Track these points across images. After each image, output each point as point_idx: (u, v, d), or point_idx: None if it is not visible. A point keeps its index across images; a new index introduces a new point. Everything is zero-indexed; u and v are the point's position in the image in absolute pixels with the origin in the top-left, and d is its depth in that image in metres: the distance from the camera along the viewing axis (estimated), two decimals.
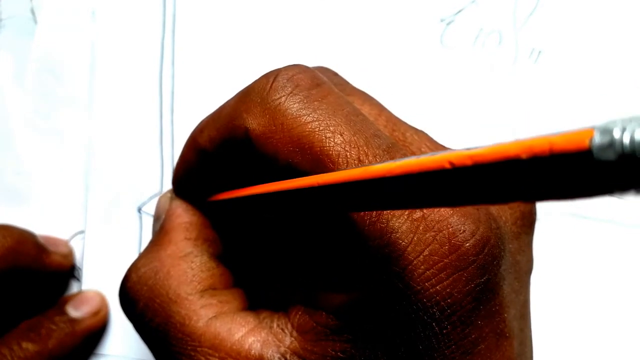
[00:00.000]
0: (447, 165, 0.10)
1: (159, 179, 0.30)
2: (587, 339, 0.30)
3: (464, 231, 0.16)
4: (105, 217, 0.30)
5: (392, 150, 0.17)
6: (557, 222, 0.30)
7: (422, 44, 0.31)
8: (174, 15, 0.31)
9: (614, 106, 0.31)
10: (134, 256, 0.30)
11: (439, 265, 0.16)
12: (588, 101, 0.31)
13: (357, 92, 0.21)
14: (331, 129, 0.17)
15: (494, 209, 0.18)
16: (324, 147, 0.17)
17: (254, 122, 0.18)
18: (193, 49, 0.31)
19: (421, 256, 0.16)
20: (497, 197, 0.10)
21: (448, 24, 0.31)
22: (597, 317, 0.31)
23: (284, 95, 0.18)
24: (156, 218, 0.23)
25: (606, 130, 0.08)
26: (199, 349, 0.18)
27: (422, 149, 0.19)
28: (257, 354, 0.18)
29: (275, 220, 0.22)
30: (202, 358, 0.18)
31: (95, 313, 0.29)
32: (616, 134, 0.08)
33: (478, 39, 0.31)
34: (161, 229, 0.22)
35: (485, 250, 0.16)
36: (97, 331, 0.29)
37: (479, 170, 0.09)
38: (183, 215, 0.22)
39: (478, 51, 0.31)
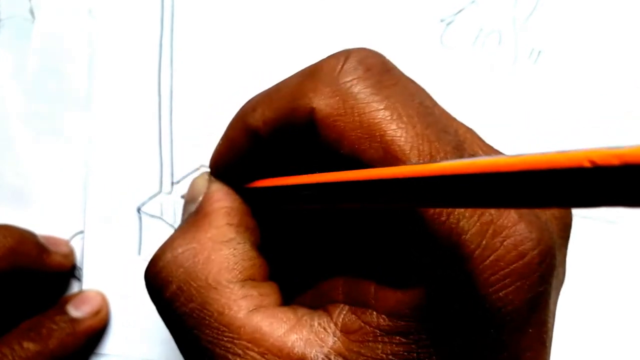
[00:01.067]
0: (587, 164, 0.09)
1: (158, 178, 0.30)
2: (587, 338, 0.30)
3: (531, 240, 0.16)
4: (104, 217, 0.30)
5: (460, 148, 0.17)
6: None
7: (422, 44, 0.31)
8: (172, 14, 0.31)
9: (614, 106, 0.31)
10: (134, 256, 0.30)
11: (505, 271, 0.15)
12: (588, 101, 0.31)
13: (416, 86, 0.20)
14: (404, 119, 0.16)
15: (544, 219, 0.17)
16: (396, 137, 0.16)
17: (321, 103, 0.17)
18: (191, 48, 0.31)
19: (488, 261, 0.15)
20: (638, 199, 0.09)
21: (448, 24, 0.31)
22: (597, 317, 0.31)
23: (355, 78, 0.17)
24: (190, 199, 0.22)
25: None
26: (236, 341, 0.17)
27: (475, 148, 0.18)
28: (299, 352, 0.17)
29: (321, 211, 0.21)
30: (240, 352, 0.17)
31: (96, 313, 0.29)
32: None
33: (478, 39, 0.31)
34: (199, 211, 0.20)
35: (547, 260, 0.16)
36: (97, 331, 0.30)
37: (626, 171, 0.09)
38: (224, 199, 0.20)
39: (478, 51, 0.31)
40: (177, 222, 0.30)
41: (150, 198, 0.30)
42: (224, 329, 0.17)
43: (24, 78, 0.31)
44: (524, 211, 0.16)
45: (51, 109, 0.31)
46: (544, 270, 0.16)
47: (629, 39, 0.31)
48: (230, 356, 0.17)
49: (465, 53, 0.31)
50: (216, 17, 0.31)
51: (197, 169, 0.31)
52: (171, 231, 0.30)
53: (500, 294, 0.16)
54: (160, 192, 0.30)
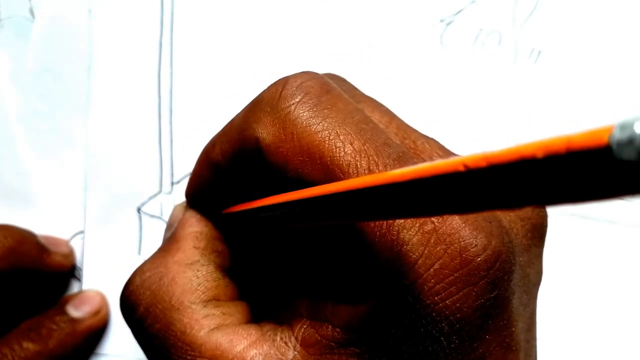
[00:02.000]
0: (461, 168, 0.10)
1: (157, 179, 0.30)
2: (587, 338, 0.30)
3: (476, 245, 0.16)
4: (104, 217, 0.30)
5: (403, 159, 0.17)
6: (556, 222, 0.30)
7: (422, 44, 0.31)
8: (172, 14, 0.31)
9: (614, 106, 0.31)
10: (134, 256, 0.30)
11: (449, 279, 0.16)
12: (588, 101, 0.31)
13: (367, 98, 0.21)
14: (341, 137, 0.17)
15: (505, 221, 0.17)
16: (334, 156, 0.17)
17: (264, 132, 0.18)
18: (191, 49, 0.31)
19: (431, 269, 0.16)
20: (513, 200, 0.09)
21: (448, 24, 0.31)
22: (596, 317, 0.31)
23: (293, 104, 0.18)
24: (169, 226, 0.23)
25: (626, 126, 0.07)
26: (198, 358, 0.18)
27: (434, 157, 0.19)
28: None
29: (283, 233, 0.22)
30: None
31: (96, 313, 0.29)
32: (637, 129, 0.07)
33: (478, 39, 0.31)
34: (172, 237, 0.22)
35: (497, 266, 0.16)
36: (97, 331, 0.29)
37: (494, 172, 0.09)
38: (195, 224, 0.22)
39: (478, 51, 0.31)
40: None
41: (150, 198, 0.30)
42: (187, 347, 0.18)
43: (24, 78, 0.31)
44: (471, 216, 0.16)
45: (51, 109, 0.31)
46: (495, 276, 0.16)
47: (629, 39, 0.31)
48: None
49: (465, 53, 0.31)
50: (216, 17, 0.31)
51: None
52: None
53: (447, 302, 0.16)
54: (160, 192, 0.30)
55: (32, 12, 0.31)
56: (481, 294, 0.16)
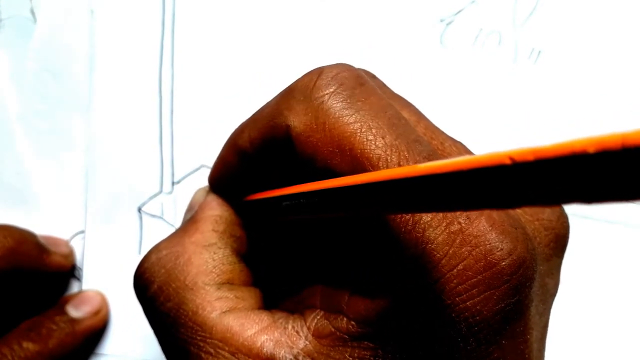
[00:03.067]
0: (507, 161, 0.09)
1: (158, 179, 0.30)
2: (587, 338, 0.30)
3: (501, 249, 0.16)
4: (105, 217, 0.30)
5: (433, 157, 0.17)
6: None
7: (422, 44, 0.31)
8: (174, 15, 0.31)
9: (614, 106, 0.31)
10: (134, 256, 0.30)
11: (472, 281, 0.15)
12: (588, 101, 0.31)
13: (397, 96, 0.21)
14: (373, 131, 0.17)
15: (529, 229, 0.17)
16: (365, 149, 0.17)
17: (295, 120, 0.18)
18: (192, 49, 0.31)
19: (455, 270, 0.16)
20: (557, 197, 0.09)
21: (448, 24, 0.31)
22: (596, 317, 0.31)
23: (327, 94, 0.18)
24: (189, 209, 0.23)
25: None
26: (208, 340, 0.18)
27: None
28: (268, 352, 0.17)
29: (303, 222, 0.22)
30: (211, 350, 0.18)
31: (96, 313, 0.29)
32: None
33: (478, 39, 0.31)
34: (191, 218, 0.22)
35: (520, 271, 0.16)
36: (97, 331, 0.29)
37: (542, 167, 0.09)
38: (215, 208, 0.22)
39: (478, 51, 0.31)
40: (178, 222, 0.30)
41: (151, 198, 0.30)
42: (198, 327, 0.18)
43: (24, 78, 0.31)
44: (497, 220, 0.16)
45: (51, 109, 0.31)
46: (517, 282, 0.16)
47: (628, 39, 0.31)
48: (202, 354, 0.18)
49: (465, 53, 0.31)
50: (217, 18, 0.31)
51: (198, 168, 0.31)
52: (172, 231, 0.30)
53: (468, 303, 0.15)
54: (160, 191, 0.30)
55: (32, 12, 0.31)
56: (502, 298, 0.16)
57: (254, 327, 0.18)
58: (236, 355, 0.18)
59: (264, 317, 0.18)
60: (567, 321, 0.30)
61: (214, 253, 0.20)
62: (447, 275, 0.16)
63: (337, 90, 0.18)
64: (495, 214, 0.16)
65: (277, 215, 0.20)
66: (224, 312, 0.18)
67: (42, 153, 0.31)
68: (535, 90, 0.31)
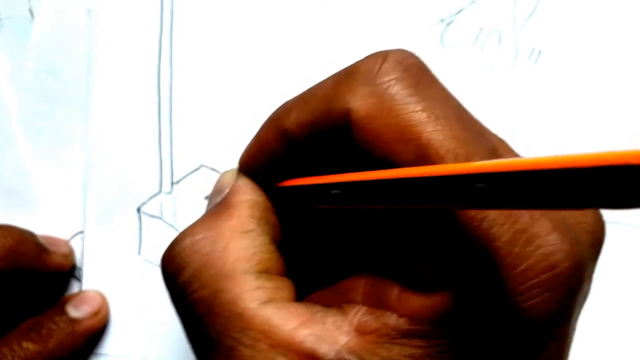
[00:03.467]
0: (637, 161, 0.09)
1: (157, 178, 0.30)
2: (587, 338, 0.30)
3: (563, 251, 0.15)
4: (104, 217, 0.30)
5: (496, 153, 0.16)
6: None
7: (422, 44, 0.31)
8: (172, 14, 0.31)
9: (613, 106, 0.31)
10: (134, 256, 0.30)
11: (534, 281, 0.15)
12: (588, 101, 0.31)
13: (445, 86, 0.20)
14: (442, 121, 0.16)
15: (576, 232, 0.17)
16: (432, 139, 0.16)
17: (358, 103, 0.17)
18: (191, 48, 0.31)
19: (518, 269, 0.15)
20: None
21: (448, 24, 0.31)
22: (596, 317, 0.31)
23: (393, 79, 0.17)
24: (216, 192, 0.22)
25: None
26: (247, 331, 0.17)
27: (507, 156, 0.18)
28: (310, 347, 0.16)
29: (346, 212, 0.20)
30: (249, 342, 0.17)
31: (96, 313, 0.29)
32: None
33: (478, 39, 0.31)
34: (223, 202, 0.20)
35: (578, 274, 0.16)
36: (97, 331, 0.29)
37: None
38: (250, 193, 0.20)
39: (478, 51, 0.31)
40: (177, 222, 0.30)
41: (150, 198, 0.30)
42: (235, 318, 0.17)
43: (23, 78, 0.31)
44: (558, 221, 0.16)
45: (51, 109, 0.31)
46: (574, 284, 0.16)
47: (629, 39, 0.31)
48: (239, 346, 0.17)
49: (465, 53, 0.31)
50: (216, 17, 0.31)
51: (197, 168, 0.31)
52: (171, 231, 0.30)
53: (528, 303, 0.15)
54: (160, 192, 0.30)
55: (31, 12, 0.31)
56: (560, 300, 0.15)
57: (294, 321, 0.17)
58: (275, 349, 0.16)
59: (303, 311, 0.17)
60: None
61: (254, 240, 0.19)
62: (511, 275, 0.15)
63: (404, 76, 0.17)
64: (554, 214, 0.16)
65: (322, 203, 0.18)
66: (263, 302, 0.17)
67: (42, 153, 0.31)
68: (536, 90, 0.31)
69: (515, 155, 0.18)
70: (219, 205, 0.20)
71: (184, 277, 0.18)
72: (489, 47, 0.31)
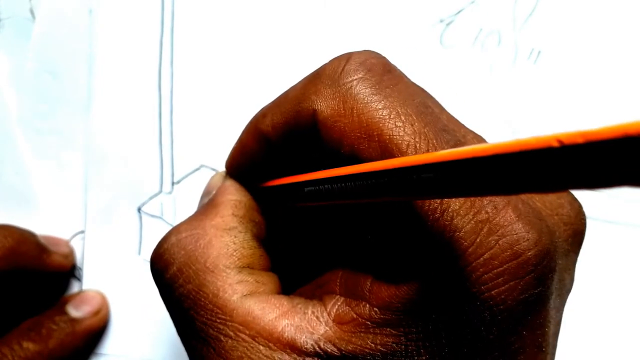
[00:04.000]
0: (555, 144, 0.09)
1: (158, 178, 0.30)
2: (587, 338, 0.30)
3: (527, 240, 0.16)
4: (105, 217, 0.30)
5: (459, 145, 0.17)
6: None
7: (422, 44, 0.31)
8: (173, 14, 0.31)
9: (613, 106, 0.31)
10: (134, 256, 0.30)
11: (498, 270, 0.16)
12: (587, 101, 0.31)
13: (419, 86, 0.21)
14: (402, 118, 0.17)
15: (549, 223, 0.17)
16: (394, 135, 0.16)
17: (322, 105, 0.18)
18: (192, 48, 0.31)
19: (481, 259, 0.16)
20: (605, 180, 0.09)
21: (448, 24, 0.31)
22: (596, 317, 0.31)
23: (356, 79, 0.17)
24: (206, 193, 0.23)
25: None
26: (229, 323, 0.18)
27: None
28: (289, 337, 0.17)
29: (322, 208, 0.22)
30: (231, 333, 0.18)
31: (96, 313, 0.29)
32: None
33: (477, 39, 0.31)
34: (210, 202, 0.22)
35: (544, 263, 0.16)
36: (97, 331, 0.29)
37: (591, 149, 0.09)
38: (234, 193, 0.21)
39: (477, 51, 0.31)
40: (178, 221, 0.30)
41: (151, 198, 0.30)
42: (218, 310, 0.18)
43: (24, 78, 0.31)
44: (524, 211, 0.16)
45: (51, 109, 0.31)
46: (541, 272, 0.16)
47: (628, 39, 0.31)
48: (222, 337, 0.18)
49: (465, 53, 0.31)
50: (216, 17, 0.31)
51: (198, 168, 0.31)
52: None
53: (493, 292, 0.16)
54: (160, 191, 0.30)
55: (32, 12, 0.31)
56: (526, 288, 0.16)
57: (274, 312, 0.18)
58: (256, 339, 0.17)
59: (284, 302, 0.18)
60: (566, 321, 0.30)
61: (235, 237, 0.20)
62: (474, 264, 0.16)
63: (366, 76, 0.17)
64: (520, 205, 0.16)
65: (298, 201, 0.19)
66: (244, 295, 0.18)
67: (42, 153, 0.31)
68: (535, 90, 0.31)
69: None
70: (206, 205, 0.22)
71: (170, 273, 0.20)
72: (488, 47, 0.31)
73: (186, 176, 0.30)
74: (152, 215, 0.30)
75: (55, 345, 0.28)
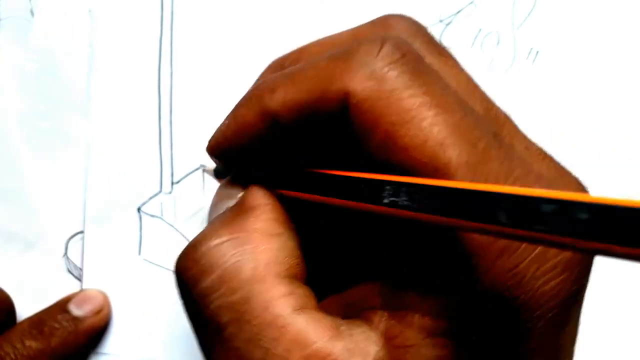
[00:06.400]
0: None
1: (158, 178, 0.31)
2: (586, 338, 0.31)
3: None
4: (104, 217, 0.30)
5: (499, 136, 0.16)
6: None
7: None
8: (172, 14, 0.31)
9: (612, 106, 0.31)
10: (134, 256, 0.30)
11: (551, 263, 0.15)
12: (586, 101, 0.31)
13: (464, 73, 0.19)
14: (444, 106, 0.16)
15: None
16: (436, 123, 0.15)
17: (357, 86, 0.16)
18: (191, 48, 0.31)
19: (534, 254, 0.15)
20: None
21: (447, 24, 0.31)
22: (596, 317, 0.31)
23: (393, 62, 0.16)
24: (222, 198, 0.20)
25: None
26: (280, 341, 0.16)
27: (511, 138, 0.18)
28: None
29: (355, 217, 0.19)
30: (281, 353, 0.16)
31: (98, 311, 0.29)
32: None
33: (476, 40, 0.31)
34: (242, 205, 0.19)
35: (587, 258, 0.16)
36: (99, 330, 0.30)
37: None
38: (267, 196, 0.19)
39: (476, 51, 0.31)
40: (178, 222, 0.31)
41: (151, 198, 0.30)
42: (266, 326, 0.16)
43: (23, 78, 0.31)
44: None
45: (51, 109, 0.31)
46: (587, 264, 0.16)
47: (628, 39, 0.31)
48: (270, 357, 0.16)
49: (464, 53, 0.31)
50: (216, 17, 0.31)
51: (198, 168, 0.31)
52: (172, 231, 0.31)
53: (546, 287, 0.15)
54: (160, 191, 0.31)
55: (32, 12, 0.31)
56: (576, 280, 0.15)
57: (327, 332, 0.16)
58: None
59: (331, 321, 0.16)
60: None
61: (284, 243, 0.18)
62: (527, 261, 0.15)
63: (403, 61, 0.16)
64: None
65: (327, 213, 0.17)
66: (295, 310, 0.16)
67: (42, 153, 0.31)
68: (534, 90, 0.31)
69: (517, 137, 0.18)
70: (236, 208, 0.19)
71: (207, 281, 0.17)
72: (487, 47, 0.31)
73: (186, 176, 0.31)
74: (152, 215, 0.30)
75: (58, 343, 0.28)
